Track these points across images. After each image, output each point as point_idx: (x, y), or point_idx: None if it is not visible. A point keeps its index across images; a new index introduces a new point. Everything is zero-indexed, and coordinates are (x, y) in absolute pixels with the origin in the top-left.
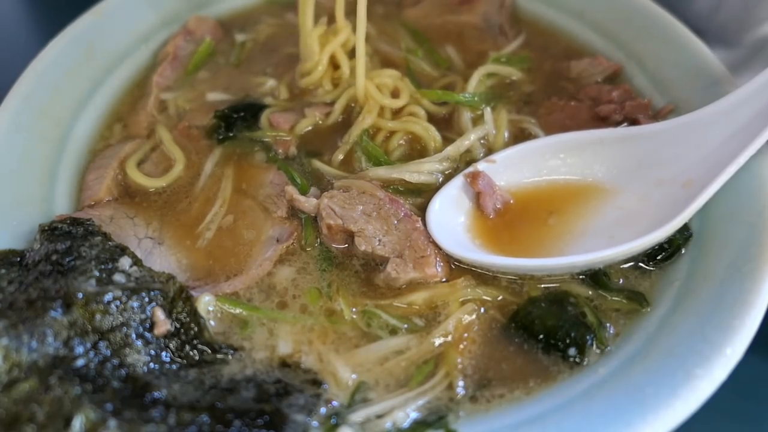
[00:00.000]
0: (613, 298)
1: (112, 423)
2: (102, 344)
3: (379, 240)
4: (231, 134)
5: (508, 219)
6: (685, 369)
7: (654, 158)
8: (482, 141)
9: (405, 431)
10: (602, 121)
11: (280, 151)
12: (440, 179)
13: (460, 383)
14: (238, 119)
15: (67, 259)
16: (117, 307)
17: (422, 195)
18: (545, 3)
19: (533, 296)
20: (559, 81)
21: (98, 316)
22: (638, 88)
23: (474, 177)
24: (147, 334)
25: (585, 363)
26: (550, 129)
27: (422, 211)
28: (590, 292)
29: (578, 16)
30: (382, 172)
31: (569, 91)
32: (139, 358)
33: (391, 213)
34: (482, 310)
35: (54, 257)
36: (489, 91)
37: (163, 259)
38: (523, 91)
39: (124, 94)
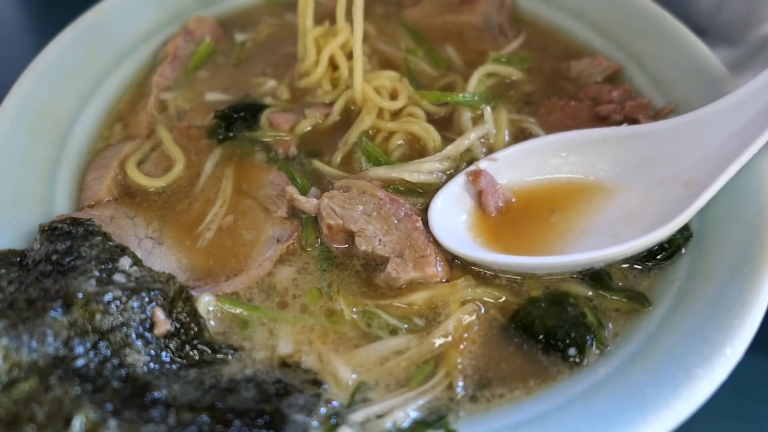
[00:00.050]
0: (614, 298)
1: (112, 423)
2: (102, 344)
3: (380, 240)
4: (231, 134)
5: (510, 217)
6: (685, 369)
7: (656, 157)
8: (482, 140)
9: (405, 431)
10: (602, 120)
11: (281, 151)
12: (442, 179)
13: (460, 383)
14: (238, 119)
15: (67, 259)
16: (117, 307)
17: (422, 195)
18: (545, 3)
19: (533, 296)
20: (559, 81)
21: (98, 316)
22: (638, 88)
23: (476, 175)
24: (147, 334)
25: (585, 363)
26: (550, 129)
27: (423, 210)
28: (590, 292)
29: (578, 16)
30: (382, 171)
31: (569, 91)
32: (139, 358)
33: (391, 213)
34: (482, 310)
35: (54, 257)
36: (489, 91)
37: (163, 259)
38: (523, 91)
39: (124, 94)
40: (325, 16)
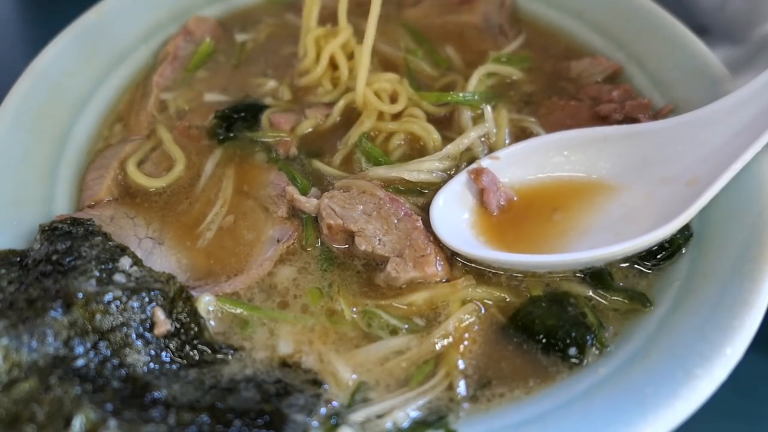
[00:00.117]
0: (615, 298)
1: (112, 423)
2: (102, 344)
3: (379, 239)
4: (231, 134)
5: (512, 216)
6: (685, 369)
7: (658, 156)
8: (483, 140)
9: (405, 431)
10: (602, 120)
11: (281, 151)
12: (444, 178)
13: (461, 383)
14: (238, 119)
15: (68, 259)
16: (117, 307)
17: (423, 194)
18: (545, 3)
19: (534, 296)
20: (560, 81)
21: (98, 316)
22: (638, 88)
23: (478, 173)
24: (147, 334)
25: (585, 363)
26: (550, 129)
27: (423, 210)
28: (590, 292)
29: (578, 16)
30: (382, 171)
31: (569, 90)
32: (139, 358)
33: (391, 212)
34: (483, 310)
35: (54, 257)
36: (489, 91)
37: (164, 259)
38: (523, 91)
39: (124, 94)
40: (327, 18)
